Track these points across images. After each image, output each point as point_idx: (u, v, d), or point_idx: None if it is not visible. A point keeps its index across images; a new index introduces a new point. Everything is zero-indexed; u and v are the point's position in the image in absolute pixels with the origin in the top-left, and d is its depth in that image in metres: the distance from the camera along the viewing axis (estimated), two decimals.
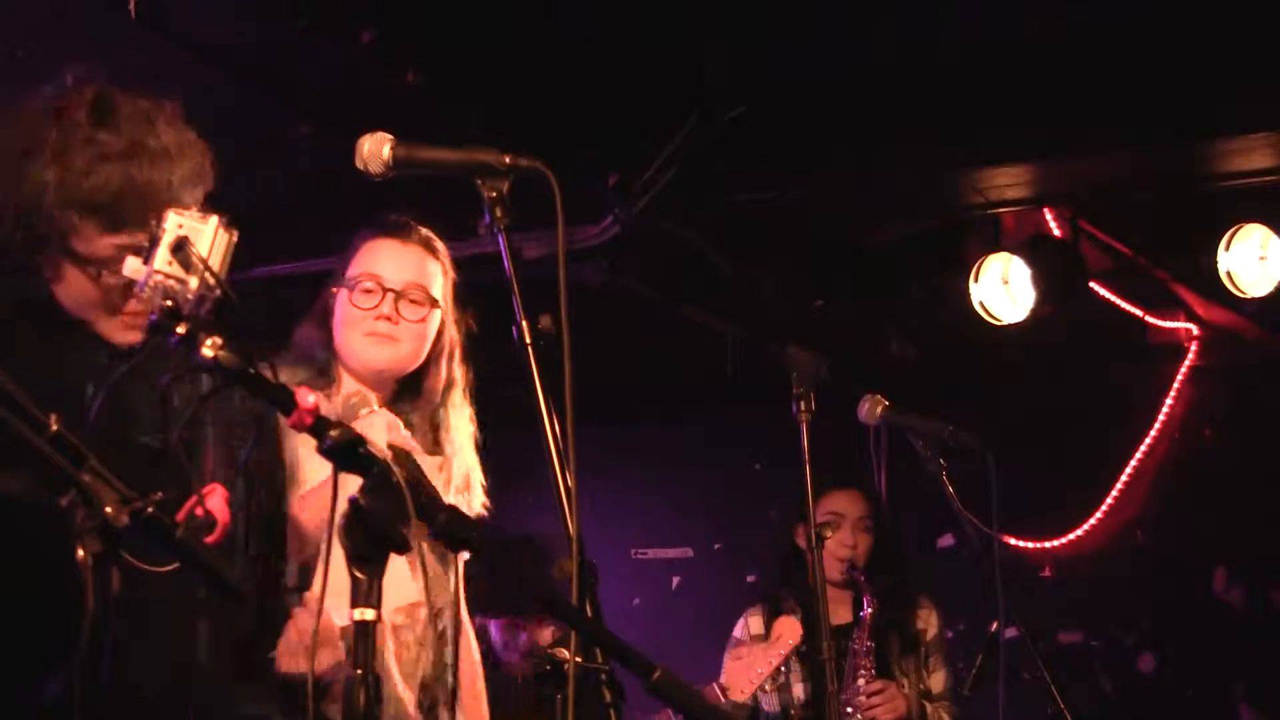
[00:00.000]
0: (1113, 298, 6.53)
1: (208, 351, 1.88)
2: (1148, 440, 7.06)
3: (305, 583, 2.81)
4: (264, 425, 2.57)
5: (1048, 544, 7.14)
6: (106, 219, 2.23)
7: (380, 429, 3.00)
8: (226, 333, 1.90)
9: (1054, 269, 5.68)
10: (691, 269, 5.67)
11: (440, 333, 3.17)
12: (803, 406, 3.55)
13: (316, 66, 4.41)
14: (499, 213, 2.43)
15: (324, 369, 3.12)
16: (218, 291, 1.98)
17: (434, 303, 3.14)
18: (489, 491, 3.23)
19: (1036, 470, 6.47)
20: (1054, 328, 5.92)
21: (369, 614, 1.87)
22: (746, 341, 6.19)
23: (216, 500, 2.32)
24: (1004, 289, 5.82)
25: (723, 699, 4.49)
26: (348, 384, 3.13)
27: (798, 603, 4.90)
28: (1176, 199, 5.67)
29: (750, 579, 7.00)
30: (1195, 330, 6.97)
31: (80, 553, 1.78)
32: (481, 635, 4.81)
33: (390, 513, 1.85)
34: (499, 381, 2.94)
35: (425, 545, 2.85)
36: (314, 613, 2.58)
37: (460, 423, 3.21)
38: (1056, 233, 5.86)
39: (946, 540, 7.12)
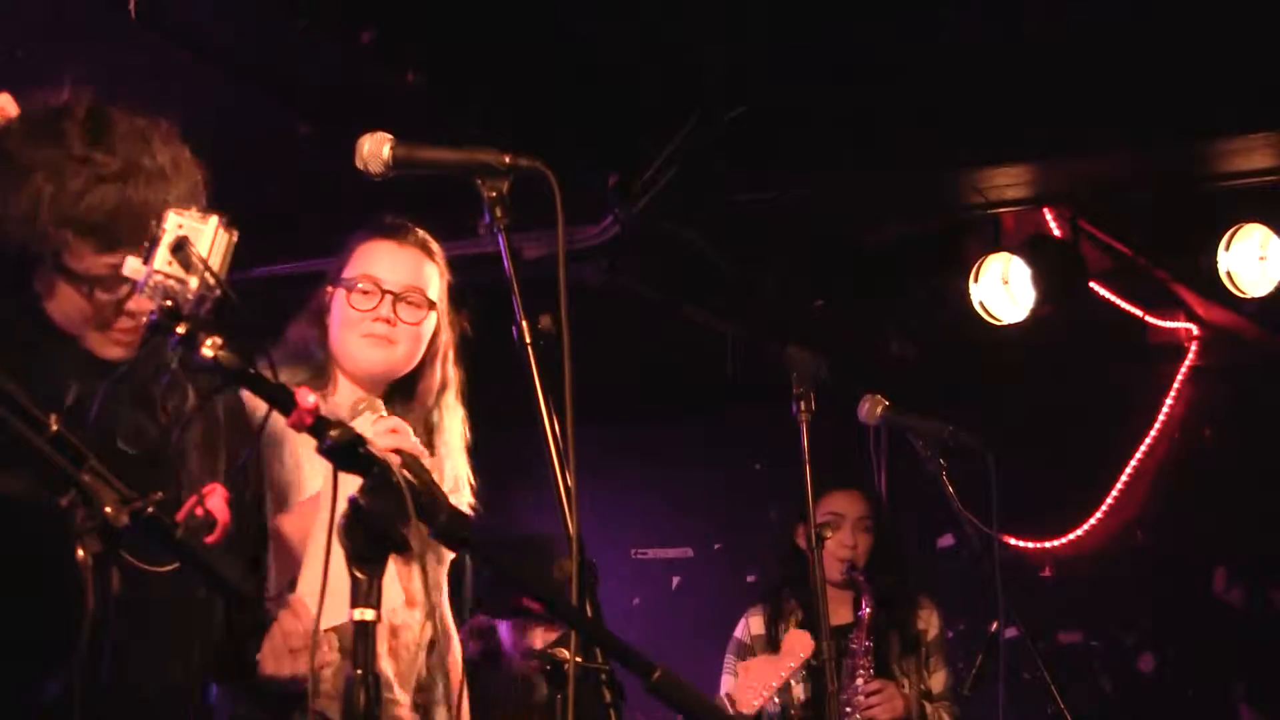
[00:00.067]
0: (1113, 298, 6.53)
1: (208, 351, 1.88)
2: (1148, 440, 7.06)
3: (289, 589, 2.81)
4: (243, 433, 2.58)
5: (1048, 544, 7.14)
6: (101, 238, 2.23)
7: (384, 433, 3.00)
8: (226, 333, 1.90)
9: (1054, 269, 5.68)
10: (691, 269, 5.68)
11: (435, 335, 3.17)
12: (803, 406, 3.55)
13: (316, 66, 4.41)
14: (499, 213, 2.43)
15: (320, 369, 3.13)
16: (218, 291, 1.97)
17: (431, 305, 3.14)
18: (479, 492, 3.24)
19: (1036, 470, 6.47)
20: (1054, 328, 5.92)
21: (369, 614, 1.87)
22: (746, 341, 6.19)
23: (216, 500, 2.31)
24: (1004, 289, 5.82)
25: (730, 710, 4.48)
26: (344, 385, 3.13)
27: (798, 603, 4.91)
28: (1176, 199, 5.67)
29: (750, 579, 7.01)
30: (1195, 330, 6.97)
31: (80, 553, 1.78)
32: (490, 635, 4.81)
33: (390, 513, 1.85)
34: (493, 380, 2.95)
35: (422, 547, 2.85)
36: (298, 615, 2.57)
37: (453, 424, 3.21)
38: (1056, 233, 5.86)
39: (946, 540, 7.12)
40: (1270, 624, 6.75)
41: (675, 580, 7.89)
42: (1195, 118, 4.84)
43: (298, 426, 1.87)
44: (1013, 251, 5.74)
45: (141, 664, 2.34)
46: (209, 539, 2.24)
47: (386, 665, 2.99)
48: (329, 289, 3.16)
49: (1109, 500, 7.08)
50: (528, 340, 2.39)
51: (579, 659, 2.25)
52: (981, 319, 5.88)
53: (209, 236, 2.02)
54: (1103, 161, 5.27)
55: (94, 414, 2.18)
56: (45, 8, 3.89)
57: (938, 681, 4.90)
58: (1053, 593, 7.09)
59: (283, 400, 1.88)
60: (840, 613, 4.79)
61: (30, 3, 3.90)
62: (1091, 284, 6.13)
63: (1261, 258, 5.51)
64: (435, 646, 3.07)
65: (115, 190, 2.23)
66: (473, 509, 3.21)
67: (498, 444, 3.29)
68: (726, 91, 4.79)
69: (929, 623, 4.93)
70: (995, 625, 4.24)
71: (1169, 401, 7.04)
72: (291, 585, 2.73)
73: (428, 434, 3.18)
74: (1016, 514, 5.86)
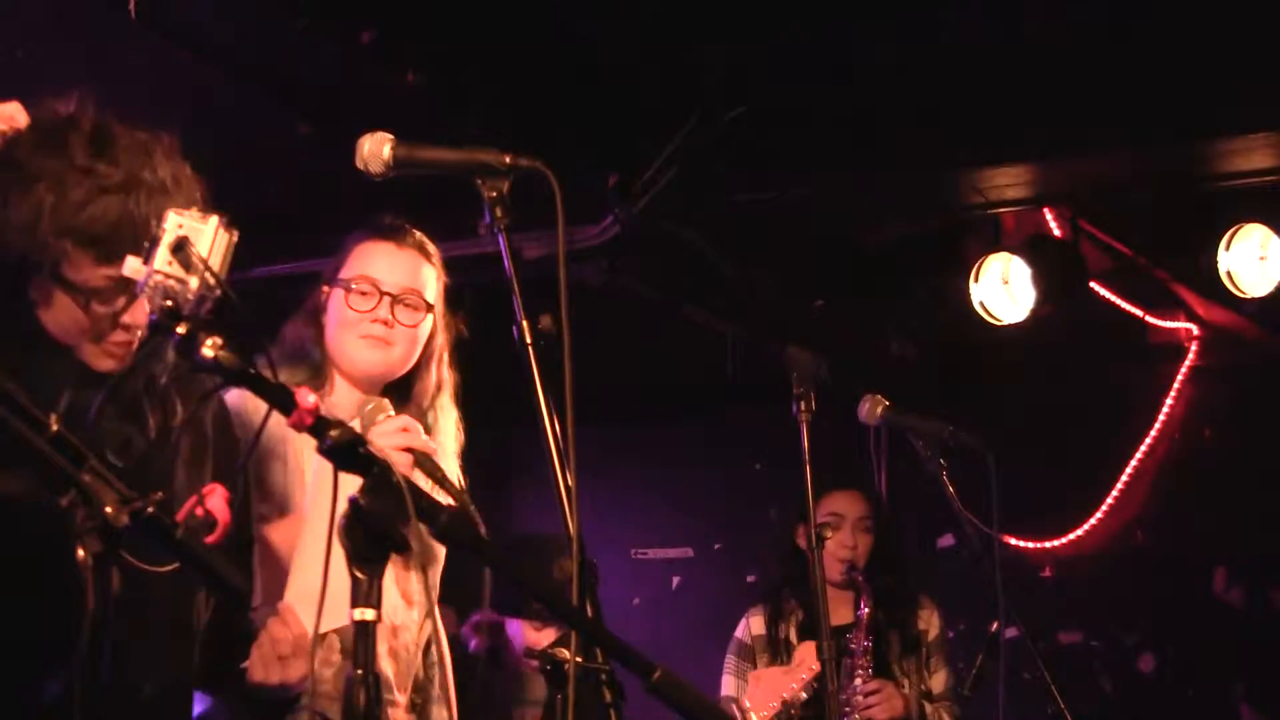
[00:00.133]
0: (1113, 298, 6.53)
1: (208, 351, 1.88)
2: (1148, 440, 7.06)
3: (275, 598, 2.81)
4: (232, 444, 2.58)
5: (1048, 544, 7.14)
6: (101, 250, 2.23)
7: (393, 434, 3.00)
8: (226, 333, 1.90)
9: (1054, 269, 5.68)
10: (691, 269, 5.67)
11: (431, 337, 3.17)
12: (803, 406, 3.55)
13: (316, 66, 4.41)
14: (499, 213, 2.43)
15: (317, 369, 3.12)
16: (218, 291, 1.98)
17: (428, 307, 3.14)
18: (477, 492, 3.23)
19: (1036, 470, 6.47)
20: (1054, 328, 5.92)
21: (369, 614, 1.87)
22: (746, 341, 6.19)
23: (216, 500, 2.32)
24: (1004, 289, 5.82)
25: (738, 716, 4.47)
26: (341, 385, 3.13)
27: (798, 603, 4.91)
28: (1176, 199, 5.67)
29: (750, 579, 7.01)
30: (1195, 330, 6.97)
31: (80, 553, 1.78)
32: (496, 633, 4.81)
33: (390, 513, 1.85)
34: (493, 380, 2.95)
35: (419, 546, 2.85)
36: (287, 623, 2.57)
37: (447, 426, 3.21)
38: (1056, 233, 5.86)
39: (946, 540, 7.12)
40: (1270, 624, 6.75)
41: (675, 580, 7.89)
42: (1195, 118, 4.84)
43: (298, 426, 1.87)
44: (1013, 251, 5.74)
45: (141, 664, 2.34)
46: (209, 539, 2.25)
47: (386, 666, 2.99)
48: (325, 288, 3.15)
49: (1109, 500, 7.08)
50: (528, 340, 2.39)
51: (579, 659, 2.25)
52: (981, 319, 5.88)
53: (209, 236, 2.02)
54: (1103, 161, 5.27)
55: (88, 424, 2.18)
56: (45, 8, 3.89)
57: (938, 682, 4.90)
58: (1053, 593, 7.09)
59: (283, 400, 1.88)
60: (840, 613, 4.79)
61: (30, 3, 3.90)
62: (1091, 284, 6.13)
63: (1261, 258, 5.51)
64: (432, 646, 3.07)
65: (117, 202, 2.23)
66: None
67: (498, 444, 3.29)
68: (726, 91, 4.79)
69: (930, 623, 4.93)
70: (995, 625, 4.24)
71: (1169, 401, 7.04)
72: (280, 592, 2.72)
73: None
74: (1016, 514, 5.86)
